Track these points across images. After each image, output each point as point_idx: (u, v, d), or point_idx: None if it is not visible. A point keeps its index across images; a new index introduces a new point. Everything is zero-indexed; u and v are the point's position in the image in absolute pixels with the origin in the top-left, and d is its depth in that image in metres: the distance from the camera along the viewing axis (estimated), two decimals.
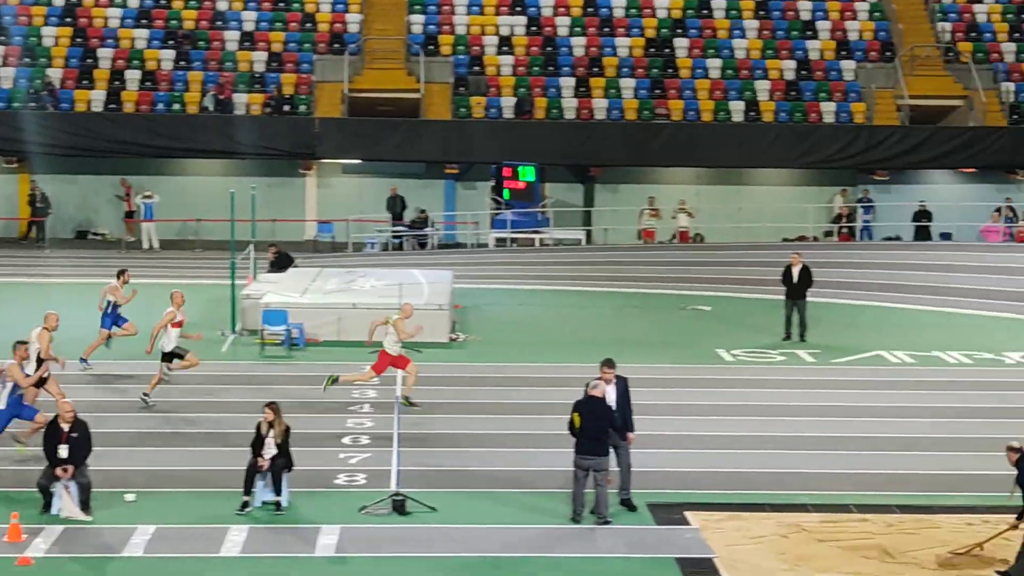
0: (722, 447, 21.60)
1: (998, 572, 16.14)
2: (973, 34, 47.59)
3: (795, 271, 30.87)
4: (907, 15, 47.87)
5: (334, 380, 22.97)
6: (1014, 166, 44.54)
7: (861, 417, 23.55)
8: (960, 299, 35.44)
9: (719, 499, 18.94)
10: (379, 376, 23.47)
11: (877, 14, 48.21)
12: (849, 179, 45.35)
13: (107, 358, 26.04)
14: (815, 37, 47.60)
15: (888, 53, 46.84)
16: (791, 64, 46.58)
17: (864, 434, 22.46)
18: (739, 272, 38.90)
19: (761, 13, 48.17)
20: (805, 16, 48.12)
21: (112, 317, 26.23)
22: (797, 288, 30.76)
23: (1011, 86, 45.74)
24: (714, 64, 46.51)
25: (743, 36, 47.54)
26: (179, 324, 23.96)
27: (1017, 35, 47.47)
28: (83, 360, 25.61)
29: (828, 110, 45.19)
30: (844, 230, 44.02)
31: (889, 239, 43.68)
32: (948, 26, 47.72)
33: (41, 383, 20.99)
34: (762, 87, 45.91)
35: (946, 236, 43.39)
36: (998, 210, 42.52)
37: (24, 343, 20.89)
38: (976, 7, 48.35)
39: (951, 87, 46.07)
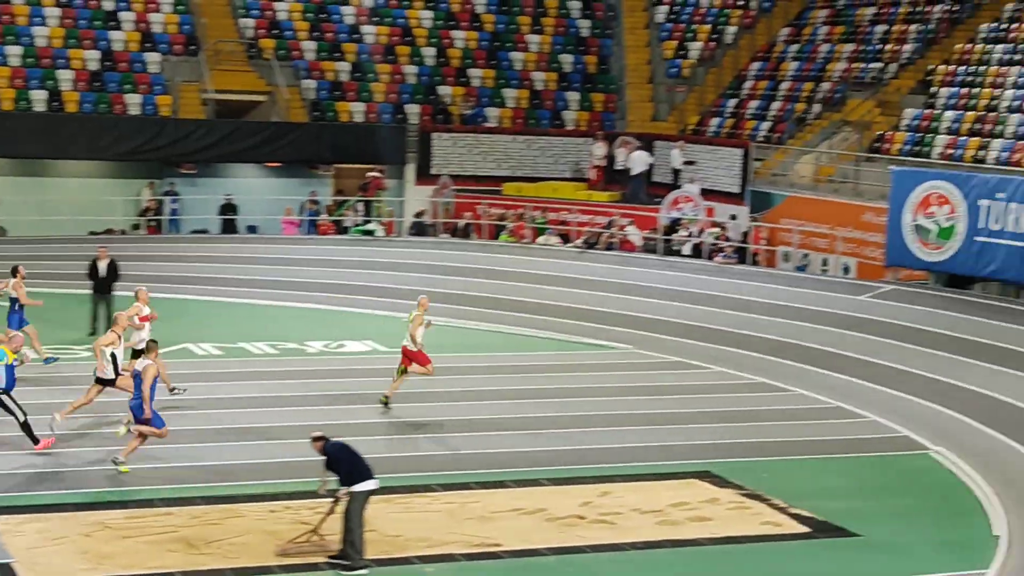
0: (30, 447, 21.02)
1: (330, 557, 16.68)
2: (275, 31, 48.83)
3: (102, 265, 30.58)
4: (210, 10, 48.39)
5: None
6: (315, 160, 46.25)
7: (185, 410, 23.68)
8: (265, 291, 36.46)
9: (19, 501, 18.44)
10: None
11: (181, 7, 48.39)
12: (156, 171, 45.27)
13: None
14: (119, 28, 47.11)
15: (193, 47, 47.16)
16: (95, 54, 45.83)
17: (188, 427, 22.58)
18: (44, 266, 37.84)
19: (63, 1, 47.04)
20: (108, 7, 47.47)
21: (19, 316, 24.95)
22: (104, 282, 30.51)
23: (312, 83, 47.41)
24: (14, 51, 44.94)
25: (44, 24, 46.24)
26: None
27: (316, 34, 49.22)
28: None
29: (134, 102, 44.89)
30: (152, 223, 43.93)
31: (197, 232, 44.05)
32: (251, 22, 48.70)
33: None
34: (65, 77, 44.88)
35: (252, 229, 44.38)
36: (302, 205, 43.99)
37: None
38: (277, 5, 49.55)
39: (255, 83, 47.09)
